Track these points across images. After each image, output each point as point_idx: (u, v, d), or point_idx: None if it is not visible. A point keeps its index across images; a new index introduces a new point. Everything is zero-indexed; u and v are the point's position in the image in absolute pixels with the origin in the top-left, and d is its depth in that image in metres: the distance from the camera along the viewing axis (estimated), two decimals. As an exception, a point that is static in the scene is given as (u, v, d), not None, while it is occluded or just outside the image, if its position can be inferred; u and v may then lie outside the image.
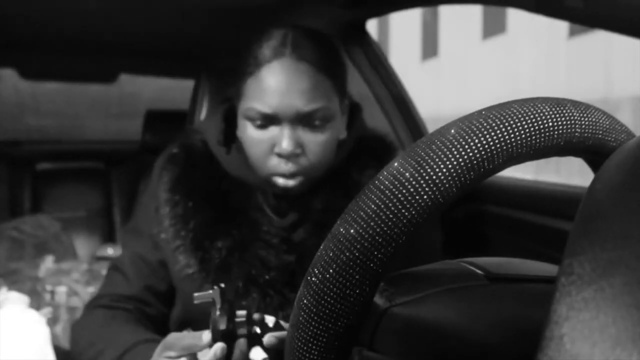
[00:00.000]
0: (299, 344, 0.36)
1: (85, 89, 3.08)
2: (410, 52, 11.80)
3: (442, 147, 0.33)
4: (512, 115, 0.33)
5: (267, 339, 0.68)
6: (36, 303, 1.43)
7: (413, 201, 0.32)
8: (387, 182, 0.33)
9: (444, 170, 0.32)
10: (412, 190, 0.32)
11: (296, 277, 0.88)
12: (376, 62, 1.46)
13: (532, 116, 0.34)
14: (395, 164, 0.33)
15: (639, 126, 5.46)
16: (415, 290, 0.38)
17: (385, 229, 0.32)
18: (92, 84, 2.81)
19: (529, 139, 0.33)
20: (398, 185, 0.32)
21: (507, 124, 0.33)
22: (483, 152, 0.33)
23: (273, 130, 0.85)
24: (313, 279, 0.35)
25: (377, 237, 0.32)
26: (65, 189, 2.02)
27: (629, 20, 0.76)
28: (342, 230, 0.34)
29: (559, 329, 0.21)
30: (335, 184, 0.93)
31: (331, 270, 0.34)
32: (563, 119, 0.35)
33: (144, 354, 0.81)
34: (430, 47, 11.29)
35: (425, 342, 0.35)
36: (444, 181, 0.32)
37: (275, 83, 0.84)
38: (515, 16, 8.46)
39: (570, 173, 4.93)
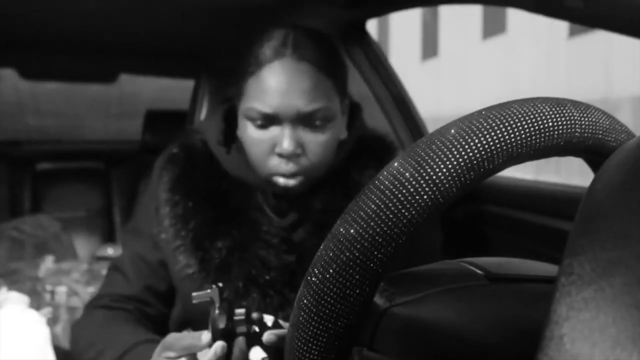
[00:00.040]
0: (299, 344, 0.36)
1: (85, 89, 3.08)
2: (410, 52, 11.80)
3: (442, 147, 0.33)
4: (512, 115, 0.33)
5: (267, 336, 0.68)
6: (36, 303, 1.43)
7: (413, 201, 0.32)
8: (387, 182, 0.33)
9: (444, 170, 0.32)
10: (412, 190, 0.32)
11: (296, 277, 0.88)
12: (376, 62, 1.46)
13: (532, 116, 0.34)
14: (395, 164, 0.33)
15: (639, 126, 5.46)
16: (415, 290, 0.38)
17: (385, 229, 0.32)
18: (92, 84, 2.81)
19: (529, 139, 0.33)
20: (398, 185, 0.32)
21: (507, 124, 0.33)
22: (483, 152, 0.33)
23: (274, 131, 0.85)
24: (313, 279, 0.35)
25: (377, 237, 0.32)
26: (65, 189, 2.02)
27: (629, 20, 0.76)
28: (342, 230, 0.34)
29: (559, 329, 0.21)
30: (335, 184, 0.92)
31: (331, 270, 0.34)
32: (563, 119, 0.35)
33: (144, 354, 0.81)
34: (430, 47, 11.29)
35: (425, 342, 0.35)
36: (444, 181, 0.32)
37: (276, 83, 0.84)
38: (515, 16, 8.46)
39: (570, 173, 4.93)
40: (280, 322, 0.73)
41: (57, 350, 1.05)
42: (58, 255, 1.68)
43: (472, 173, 0.33)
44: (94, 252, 1.86)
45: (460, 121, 0.34)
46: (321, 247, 0.35)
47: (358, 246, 0.33)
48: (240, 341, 0.69)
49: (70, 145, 2.37)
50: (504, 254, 0.51)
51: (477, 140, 0.33)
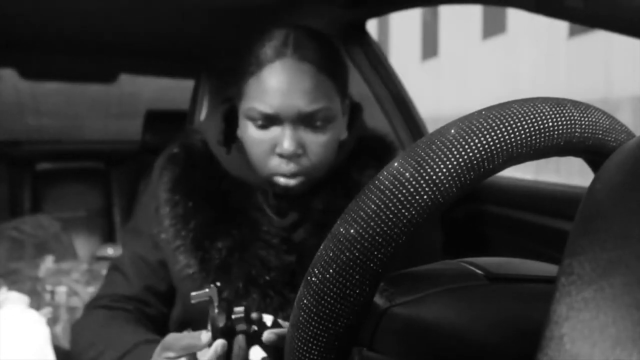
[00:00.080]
0: (299, 344, 0.36)
1: (85, 89, 3.08)
2: (410, 52, 11.80)
3: (442, 147, 0.33)
4: (512, 115, 0.33)
5: (266, 335, 0.68)
6: (36, 303, 1.43)
7: (413, 201, 0.32)
8: (387, 182, 0.33)
9: (444, 170, 0.32)
10: (412, 190, 0.32)
11: (296, 278, 0.88)
12: (376, 62, 1.46)
13: (532, 116, 0.34)
14: (395, 164, 0.33)
15: (639, 126, 5.46)
16: (415, 290, 0.38)
17: (385, 229, 0.32)
18: (92, 84, 2.81)
19: (529, 139, 0.33)
20: (398, 185, 0.32)
21: (507, 124, 0.33)
22: (483, 152, 0.33)
23: (274, 131, 0.85)
24: (313, 279, 0.35)
25: (377, 237, 0.32)
26: (65, 189, 2.02)
27: (629, 20, 0.76)
28: (342, 230, 0.34)
29: (559, 329, 0.21)
30: (335, 184, 0.92)
31: (331, 270, 0.34)
32: (563, 119, 0.35)
33: (144, 354, 0.81)
34: (430, 47, 11.28)
35: (425, 342, 0.35)
36: (444, 181, 0.32)
37: (277, 83, 0.83)
38: (515, 16, 8.46)
39: (570, 173, 4.93)
40: (280, 321, 0.73)
41: (57, 350, 1.05)
42: (58, 255, 1.68)
43: (472, 173, 0.33)
44: (94, 252, 1.86)
45: (460, 121, 0.34)
46: (321, 247, 0.35)
47: (358, 246, 0.33)
48: (240, 339, 0.69)
49: (70, 145, 2.37)
50: (504, 254, 0.51)
51: (477, 140, 0.33)
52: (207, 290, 0.69)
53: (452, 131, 0.33)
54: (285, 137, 0.84)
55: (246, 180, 0.92)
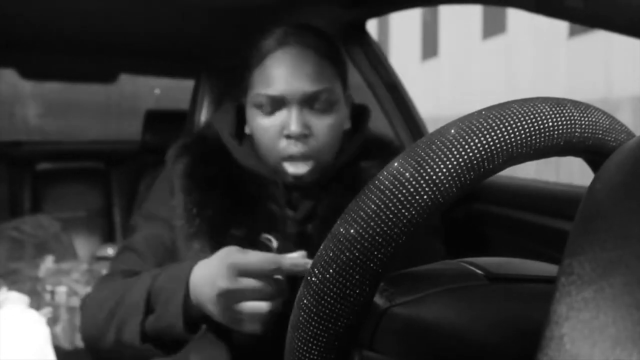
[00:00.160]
0: (299, 344, 0.36)
1: (85, 89, 3.08)
2: (410, 52, 11.80)
3: (442, 147, 0.33)
4: (512, 115, 0.33)
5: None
6: (36, 303, 1.43)
7: (413, 201, 0.32)
8: (387, 182, 0.33)
9: (444, 170, 0.32)
10: (412, 190, 0.32)
11: None
12: (376, 62, 1.46)
13: (532, 116, 0.34)
14: (395, 164, 0.33)
15: (639, 126, 5.46)
16: (415, 290, 0.38)
17: (385, 229, 0.32)
18: (92, 84, 2.81)
19: (529, 139, 0.33)
20: (398, 185, 0.32)
21: (507, 124, 0.33)
22: (483, 152, 0.32)
23: (281, 115, 0.87)
24: (313, 279, 0.35)
25: (377, 237, 0.32)
26: (65, 189, 2.02)
27: (629, 20, 0.76)
28: (342, 230, 0.34)
29: (559, 329, 0.21)
30: (344, 182, 0.94)
31: (331, 270, 0.34)
32: (563, 119, 0.35)
33: (178, 267, 0.80)
34: (430, 47, 11.28)
35: (425, 342, 0.35)
36: (444, 181, 0.32)
37: (281, 69, 0.87)
38: (515, 16, 8.46)
39: (571, 173, 4.93)
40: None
41: (57, 350, 1.05)
42: (58, 255, 1.68)
43: (472, 173, 0.33)
44: (94, 252, 1.86)
45: (460, 121, 0.34)
46: (321, 247, 0.35)
47: (358, 246, 0.33)
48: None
49: (70, 145, 2.37)
50: (504, 254, 0.51)
51: (477, 140, 0.33)
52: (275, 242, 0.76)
53: (452, 131, 0.33)
54: (292, 119, 0.86)
55: (259, 172, 0.93)
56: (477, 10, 9.41)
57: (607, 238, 0.23)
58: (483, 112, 0.34)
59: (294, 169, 0.88)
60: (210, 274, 0.74)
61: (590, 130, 0.36)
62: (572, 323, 0.21)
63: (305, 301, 0.35)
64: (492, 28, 9.26)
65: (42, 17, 1.47)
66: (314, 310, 0.35)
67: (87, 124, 3.24)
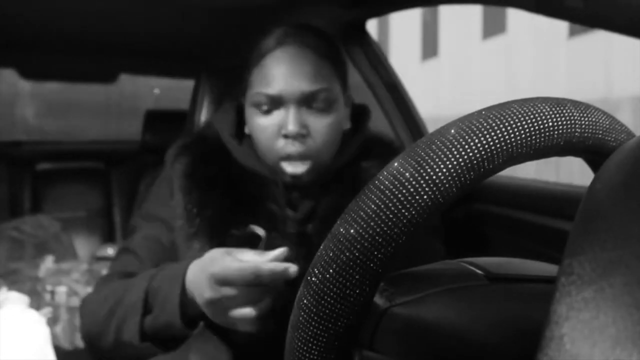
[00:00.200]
0: (299, 344, 0.36)
1: (85, 89, 3.08)
2: (410, 52, 11.80)
3: (442, 147, 0.33)
4: (512, 115, 0.33)
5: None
6: (36, 303, 1.43)
7: (413, 201, 0.32)
8: (387, 182, 0.33)
9: (444, 170, 0.32)
10: (412, 190, 0.32)
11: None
12: (376, 62, 1.46)
13: (532, 116, 0.34)
14: (395, 164, 0.33)
15: (639, 126, 5.46)
16: (415, 290, 0.38)
17: (385, 229, 0.32)
18: (92, 84, 2.81)
19: (529, 139, 0.33)
20: (398, 185, 0.32)
21: (507, 124, 0.33)
22: (483, 152, 0.32)
23: (279, 115, 0.87)
24: (313, 279, 0.35)
25: (377, 237, 0.32)
26: (65, 189, 2.02)
27: (629, 20, 0.76)
28: (342, 230, 0.34)
29: (559, 329, 0.21)
30: (344, 182, 0.94)
31: (331, 270, 0.34)
32: (563, 119, 0.35)
33: (174, 272, 0.81)
34: (430, 47, 11.28)
35: (425, 342, 0.35)
36: (444, 181, 0.32)
37: (280, 68, 0.87)
38: (515, 16, 8.46)
39: (571, 173, 4.93)
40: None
41: (57, 350, 1.05)
42: (58, 255, 1.68)
43: (472, 173, 0.33)
44: (94, 252, 1.86)
45: (460, 121, 0.34)
46: (321, 247, 0.35)
47: (358, 246, 0.33)
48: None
49: (70, 145, 2.37)
50: (504, 254, 0.51)
51: (477, 140, 0.33)
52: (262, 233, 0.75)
53: (452, 131, 0.33)
54: (289, 119, 0.86)
55: (259, 172, 0.93)
56: (477, 10, 9.41)
57: (607, 238, 0.23)
58: (483, 112, 0.34)
59: (292, 168, 0.88)
60: (197, 282, 0.76)
61: (590, 130, 0.36)
62: (572, 323, 0.21)
63: (305, 301, 0.35)
64: (492, 28, 9.26)
65: (42, 17, 1.47)
66: (314, 310, 0.35)
67: (87, 124, 3.24)
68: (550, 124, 0.34)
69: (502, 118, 0.33)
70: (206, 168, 0.93)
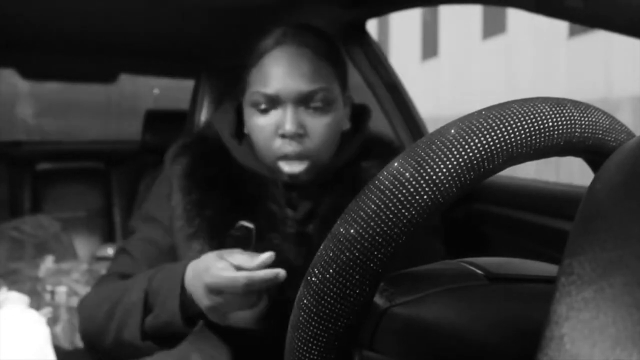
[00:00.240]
0: (299, 344, 0.36)
1: (85, 89, 3.08)
2: (410, 52, 11.80)
3: (442, 147, 0.33)
4: (512, 115, 0.33)
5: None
6: (36, 303, 1.43)
7: (413, 201, 0.32)
8: (387, 182, 0.33)
9: (444, 170, 0.32)
10: (412, 190, 0.32)
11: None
12: (376, 62, 1.46)
13: (532, 116, 0.34)
14: (395, 164, 0.33)
15: (639, 126, 5.46)
16: (415, 290, 0.38)
17: (385, 229, 0.32)
18: (92, 84, 2.82)
19: (529, 139, 0.33)
20: (398, 185, 0.32)
21: (507, 124, 0.33)
22: (483, 152, 0.32)
23: (276, 115, 0.87)
24: (313, 279, 0.35)
25: (377, 237, 0.32)
26: (65, 189, 2.02)
27: (629, 20, 0.76)
28: (342, 230, 0.34)
29: (559, 329, 0.21)
30: (344, 182, 0.94)
31: (331, 270, 0.34)
32: (563, 119, 0.35)
33: (172, 273, 0.82)
34: (430, 47, 11.28)
35: (425, 342, 0.35)
36: (444, 181, 0.32)
37: (278, 67, 0.87)
38: (515, 16, 8.45)
39: (571, 173, 4.93)
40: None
41: (57, 350, 1.05)
42: (58, 255, 1.68)
43: (472, 173, 0.33)
44: (94, 252, 1.86)
45: (460, 121, 0.34)
46: (321, 247, 0.35)
47: (358, 246, 0.33)
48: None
49: (70, 145, 2.37)
50: (504, 254, 0.51)
51: (477, 140, 0.33)
52: (252, 225, 0.77)
53: (452, 131, 0.33)
54: (286, 118, 0.86)
55: (259, 172, 0.93)
56: (477, 10, 9.41)
57: (607, 238, 0.23)
58: (483, 112, 0.34)
59: (289, 167, 0.88)
60: (195, 288, 0.78)
61: (590, 130, 0.36)
62: (572, 323, 0.21)
63: (305, 301, 0.35)
64: (492, 28, 9.25)
65: (42, 17, 1.47)
66: (314, 310, 0.35)
67: (87, 124, 3.24)
68: (550, 124, 0.34)
69: (502, 118, 0.33)
70: (206, 168, 0.93)
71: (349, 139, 0.96)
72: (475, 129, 0.33)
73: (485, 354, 0.34)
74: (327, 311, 0.34)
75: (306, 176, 0.89)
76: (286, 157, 0.87)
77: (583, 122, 0.36)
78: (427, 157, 0.32)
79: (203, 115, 1.76)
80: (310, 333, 0.35)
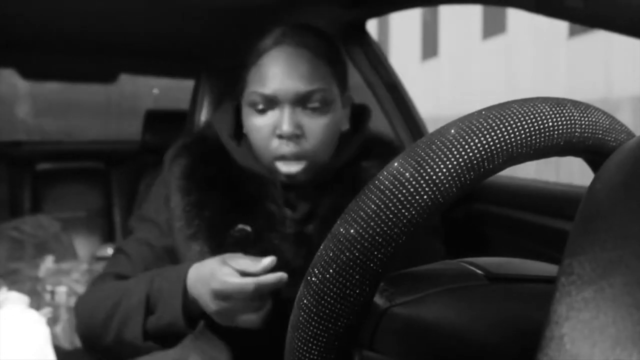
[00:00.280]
0: (299, 344, 0.36)
1: (85, 89, 3.08)
2: (410, 52, 11.80)
3: (442, 147, 0.33)
4: (512, 115, 0.33)
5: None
6: (36, 303, 1.43)
7: (413, 201, 0.32)
8: (387, 182, 0.33)
9: (444, 170, 0.32)
10: (412, 190, 0.32)
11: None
12: (376, 62, 1.46)
13: (532, 116, 0.34)
14: (395, 164, 0.33)
15: (639, 126, 5.46)
16: (415, 290, 0.38)
17: (385, 229, 0.32)
18: (92, 84, 2.82)
19: (529, 139, 0.33)
20: (398, 185, 0.32)
21: (507, 124, 0.33)
22: (483, 152, 0.32)
23: (274, 115, 0.87)
24: (313, 279, 0.35)
25: (377, 237, 0.32)
26: (65, 189, 2.02)
27: (629, 20, 0.76)
28: (342, 230, 0.34)
29: (559, 329, 0.21)
30: (344, 182, 0.94)
31: (331, 270, 0.34)
32: (563, 119, 0.35)
33: (174, 269, 0.83)
34: (430, 47, 11.28)
35: (425, 342, 0.35)
36: (444, 181, 0.32)
37: (275, 67, 0.87)
38: (515, 16, 8.45)
39: (571, 173, 4.93)
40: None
41: (57, 350, 1.05)
42: (58, 255, 1.68)
43: (472, 173, 0.33)
44: (94, 252, 1.86)
45: (460, 121, 0.34)
46: (321, 247, 0.35)
47: (358, 246, 0.33)
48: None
49: (70, 145, 2.37)
50: (504, 254, 0.51)
51: (477, 140, 0.32)
52: (249, 228, 0.80)
53: (452, 131, 0.33)
54: (283, 119, 0.86)
55: (258, 172, 0.93)
56: (477, 10, 9.41)
57: (607, 238, 0.23)
58: (483, 112, 0.34)
59: (286, 168, 0.88)
60: (199, 292, 0.79)
61: (590, 130, 0.36)
62: (572, 323, 0.21)
63: (305, 301, 0.35)
64: (492, 28, 9.25)
65: (42, 17, 1.47)
66: (314, 310, 0.35)
67: (87, 124, 3.24)
68: (550, 124, 0.34)
69: (502, 118, 0.33)
70: (206, 168, 0.93)
71: (348, 139, 0.96)
72: (475, 129, 0.33)
73: (485, 354, 0.34)
74: (327, 311, 0.34)
75: (304, 176, 0.89)
76: (283, 158, 0.87)
77: (583, 122, 0.36)
78: (427, 157, 0.32)
79: (203, 115, 1.76)
80: (310, 333, 0.35)
